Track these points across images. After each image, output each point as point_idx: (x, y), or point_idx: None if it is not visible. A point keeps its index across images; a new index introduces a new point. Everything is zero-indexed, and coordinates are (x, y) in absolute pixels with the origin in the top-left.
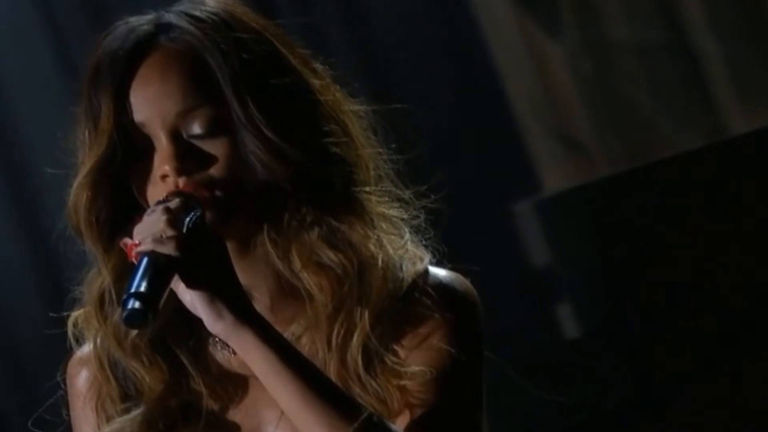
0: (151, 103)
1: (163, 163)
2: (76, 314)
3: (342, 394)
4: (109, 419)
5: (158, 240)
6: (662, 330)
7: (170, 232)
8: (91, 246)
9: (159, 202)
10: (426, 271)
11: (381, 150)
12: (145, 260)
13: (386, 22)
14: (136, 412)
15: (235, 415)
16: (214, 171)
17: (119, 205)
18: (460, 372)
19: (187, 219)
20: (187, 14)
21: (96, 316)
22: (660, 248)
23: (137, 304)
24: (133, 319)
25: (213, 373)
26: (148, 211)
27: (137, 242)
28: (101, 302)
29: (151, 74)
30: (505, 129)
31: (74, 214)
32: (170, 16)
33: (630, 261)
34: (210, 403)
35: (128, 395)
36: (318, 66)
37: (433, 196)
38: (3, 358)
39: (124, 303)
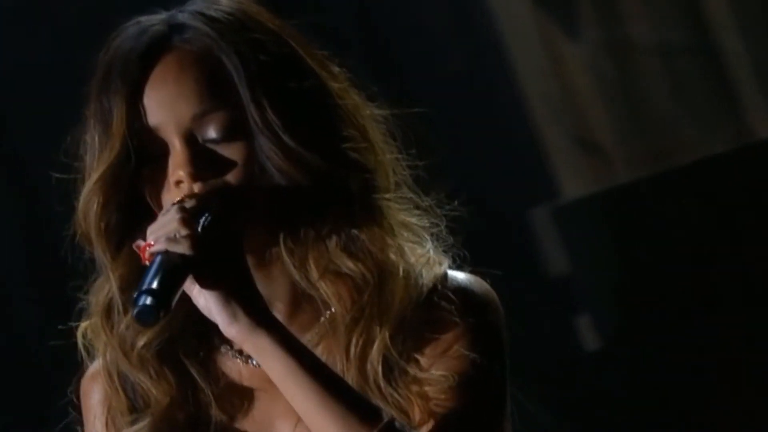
0: (165, 107)
1: (177, 169)
2: (84, 325)
3: (361, 398)
4: None
5: (172, 239)
6: (686, 341)
7: (184, 231)
8: (99, 253)
9: (174, 203)
10: (445, 275)
11: (400, 156)
12: (158, 259)
13: (401, 24)
14: (141, 424)
15: (245, 426)
16: (230, 177)
17: (129, 211)
18: (483, 377)
19: (203, 218)
20: (202, 14)
21: (102, 327)
22: (683, 257)
23: (149, 300)
24: (143, 315)
25: (222, 384)
26: (163, 211)
27: (150, 242)
28: (108, 312)
29: (166, 76)
30: (522, 132)
31: (84, 221)
32: (184, 16)
33: (652, 270)
34: (219, 415)
35: (136, 408)
36: (335, 68)
37: (451, 203)
38: (7, 367)
39: (136, 300)
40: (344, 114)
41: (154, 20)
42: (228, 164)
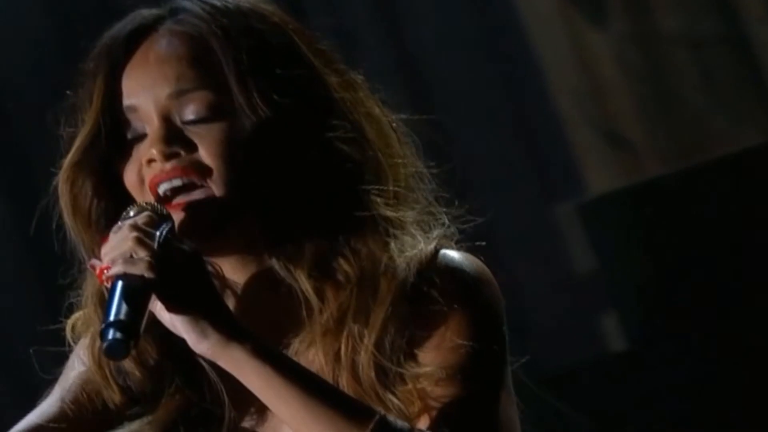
0: (145, 86)
1: (150, 147)
2: (75, 316)
3: (349, 398)
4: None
5: (128, 261)
6: (716, 339)
7: (141, 252)
8: (79, 239)
9: (124, 219)
10: (434, 256)
11: (412, 153)
12: (118, 284)
13: (424, 18)
14: (146, 420)
15: (252, 419)
16: (204, 154)
17: (112, 201)
18: (479, 362)
19: (157, 233)
20: (203, 1)
21: (97, 315)
22: (713, 252)
23: (118, 335)
24: (114, 350)
25: (232, 378)
26: (114, 228)
27: (107, 265)
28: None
29: (148, 56)
30: (548, 126)
31: (60, 198)
32: (184, 3)
33: (682, 268)
34: (231, 410)
35: (132, 399)
36: (341, 65)
37: (471, 202)
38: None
39: (104, 333)
40: (338, 107)
41: (155, 8)
42: (203, 143)
